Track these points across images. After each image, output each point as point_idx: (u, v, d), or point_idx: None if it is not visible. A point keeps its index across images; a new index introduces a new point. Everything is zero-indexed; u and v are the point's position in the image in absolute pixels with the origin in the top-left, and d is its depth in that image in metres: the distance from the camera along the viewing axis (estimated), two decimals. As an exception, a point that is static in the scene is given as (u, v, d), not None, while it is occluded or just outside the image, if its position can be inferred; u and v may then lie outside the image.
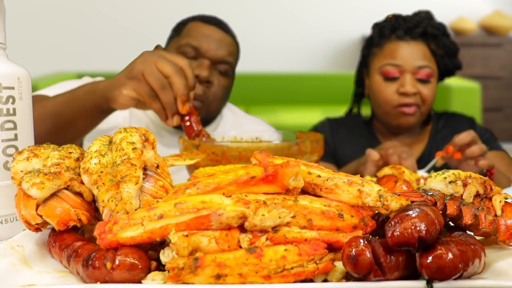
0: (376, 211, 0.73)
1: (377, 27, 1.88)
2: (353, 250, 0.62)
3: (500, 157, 1.73)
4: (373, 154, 1.41)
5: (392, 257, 0.63)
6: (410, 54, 1.76)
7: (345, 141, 1.96)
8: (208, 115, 1.76)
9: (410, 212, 0.64)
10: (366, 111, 2.05)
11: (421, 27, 1.78)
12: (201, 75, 1.65)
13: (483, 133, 1.80)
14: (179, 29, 1.78)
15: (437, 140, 1.89)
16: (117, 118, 1.65)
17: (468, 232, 0.75)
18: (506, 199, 0.77)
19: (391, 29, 1.81)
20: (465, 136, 1.40)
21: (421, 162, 1.83)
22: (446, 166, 1.54)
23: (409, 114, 1.76)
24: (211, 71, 1.69)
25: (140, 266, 0.64)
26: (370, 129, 1.97)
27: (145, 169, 0.78)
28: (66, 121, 1.33)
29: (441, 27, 1.82)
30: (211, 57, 1.69)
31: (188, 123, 1.27)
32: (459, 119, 1.94)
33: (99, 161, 0.79)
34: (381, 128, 1.93)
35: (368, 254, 0.61)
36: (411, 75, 1.75)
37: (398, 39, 1.79)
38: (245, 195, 0.68)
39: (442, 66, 1.83)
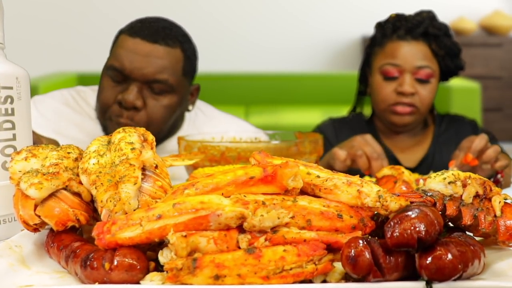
0: (375, 212, 0.72)
1: (379, 26, 1.88)
2: (352, 250, 0.62)
3: None
4: (338, 154, 1.41)
5: (391, 257, 0.62)
6: (410, 54, 1.75)
7: None
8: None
9: (410, 213, 0.64)
10: (368, 111, 2.05)
11: (423, 27, 1.78)
12: (124, 101, 1.45)
13: None
14: (112, 45, 1.56)
15: (439, 142, 1.88)
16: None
17: (467, 232, 0.75)
18: (505, 199, 0.77)
19: (393, 28, 1.81)
20: (480, 142, 1.40)
21: (424, 164, 1.82)
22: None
23: (403, 114, 1.76)
24: (138, 95, 1.46)
25: (138, 267, 0.64)
26: (372, 128, 1.97)
27: (143, 169, 0.78)
28: None
29: (443, 27, 1.81)
30: (138, 78, 1.46)
31: None
32: (461, 121, 1.95)
33: (98, 161, 0.78)
34: (382, 126, 1.93)
35: (367, 254, 0.61)
36: (411, 75, 1.74)
37: (399, 39, 1.78)
38: (244, 196, 0.68)
39: (444, 67, 1.82)
